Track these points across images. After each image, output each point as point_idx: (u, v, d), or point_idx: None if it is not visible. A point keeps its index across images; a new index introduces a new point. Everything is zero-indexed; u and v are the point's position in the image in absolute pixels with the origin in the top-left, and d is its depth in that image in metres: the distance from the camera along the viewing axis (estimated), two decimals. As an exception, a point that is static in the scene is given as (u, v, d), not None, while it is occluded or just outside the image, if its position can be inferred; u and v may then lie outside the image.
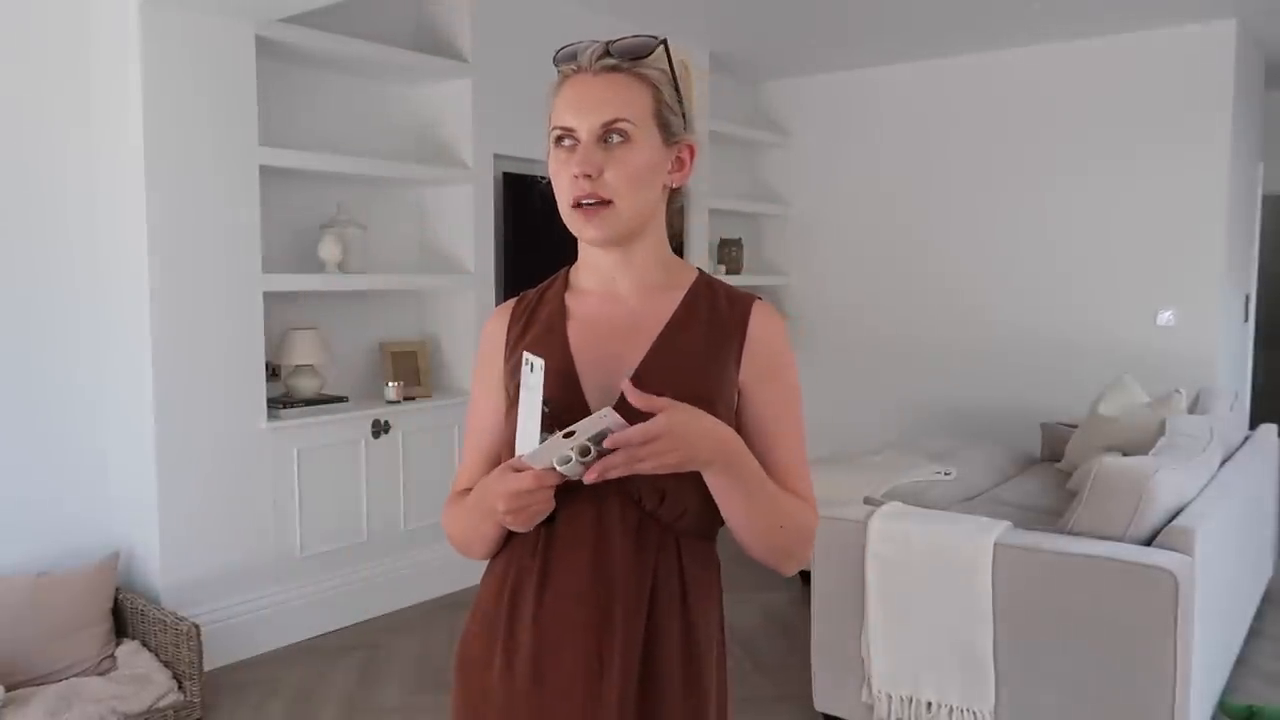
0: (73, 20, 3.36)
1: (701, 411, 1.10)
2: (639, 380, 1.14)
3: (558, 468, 1.06)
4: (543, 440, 1.07)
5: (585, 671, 1.15)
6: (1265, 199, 6.19)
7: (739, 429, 1.20)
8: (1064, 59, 5.35)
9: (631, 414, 1.07)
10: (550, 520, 1.18)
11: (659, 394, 1.10)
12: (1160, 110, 5.08)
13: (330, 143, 4.09)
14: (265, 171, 3.62)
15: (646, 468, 1.05)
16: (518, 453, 1.10)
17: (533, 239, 4.58)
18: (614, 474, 1.05)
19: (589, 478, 1.04)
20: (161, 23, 3.26)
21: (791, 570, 1.23)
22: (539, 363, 1.09)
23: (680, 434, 1.05)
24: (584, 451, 1.04)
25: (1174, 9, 4.74)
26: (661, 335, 1.21)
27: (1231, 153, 4.96)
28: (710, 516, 1.20)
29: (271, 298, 3.75)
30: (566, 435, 1.05)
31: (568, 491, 1.15)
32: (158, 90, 3.27)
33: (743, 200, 6.15)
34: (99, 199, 3.43)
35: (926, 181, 5.86)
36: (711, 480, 1.13)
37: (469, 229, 4.35)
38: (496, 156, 4.44)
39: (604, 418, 1.04)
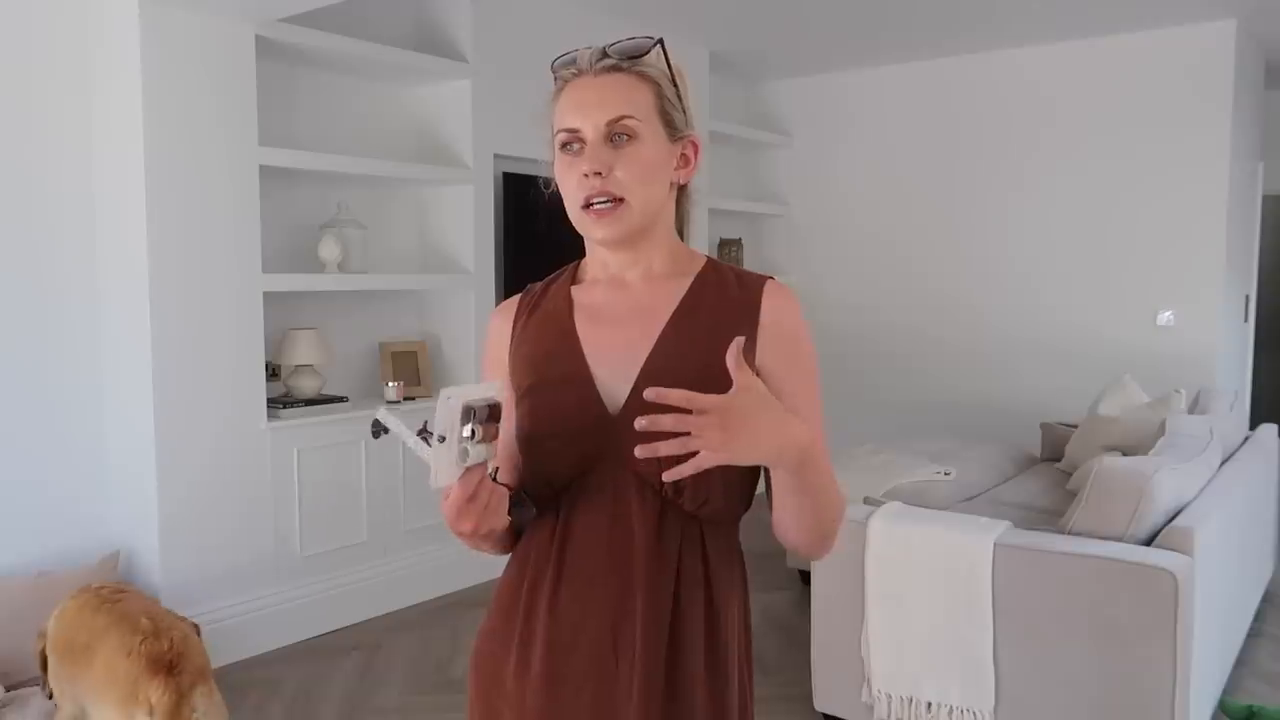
0: (73, 20, 3.36)
1: (777, 405, 1.03)
2: (651, 368, 1.15)
3: (470, 465, 1.03)
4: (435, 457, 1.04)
5: (600, 663, 1.14)
6: (1265, 199, 6.18)
7: None
8: (1064, 59, 5.35)
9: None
10: (569, 512, 1.18)
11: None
12: (1160, 110, 5.08)
13: (330, 143, 4.09)
14: (265, 171, 3.62)
15: (699, 444, 0.96)
16: (433, 486, 1.06)
17: (533, 239, 4.58)
18: (666, 433, 0.95)
19: (641, 424, 0.96)
20: (161, 23, 3.26)
21: (824, 555, 1.22)
22: (385, 417, 1.07)
23: (736, 420, 0.97)
24: (471, 434, 1.01)
25: (1174, 9, 4.74)
26: (671, 320, 1.20)
27: (1231, 152, 4.96)
28: (734, 504, 1.19)
29: (271, 298, 3.75)
30: (441, 440, 1.01)
31: (586, 483, 1.16)
32: (158, 90, 3.27)
33: (743, 200, 6.16)
34: (99, 199, 3.43)
35: (927, 181, 5.86)
36: (777, 476, 1.10)
37: (469, 229, 4.35)
38: (496, 156, 4.44)
39: (449, 399, 1.01)
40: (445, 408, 1.01)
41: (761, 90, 6.47)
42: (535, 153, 5.20)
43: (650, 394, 0.97)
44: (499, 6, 4.39)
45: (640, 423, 0.96)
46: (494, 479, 1.09)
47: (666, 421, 0.96)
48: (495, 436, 1.03)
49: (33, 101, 3.30)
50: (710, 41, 5.38)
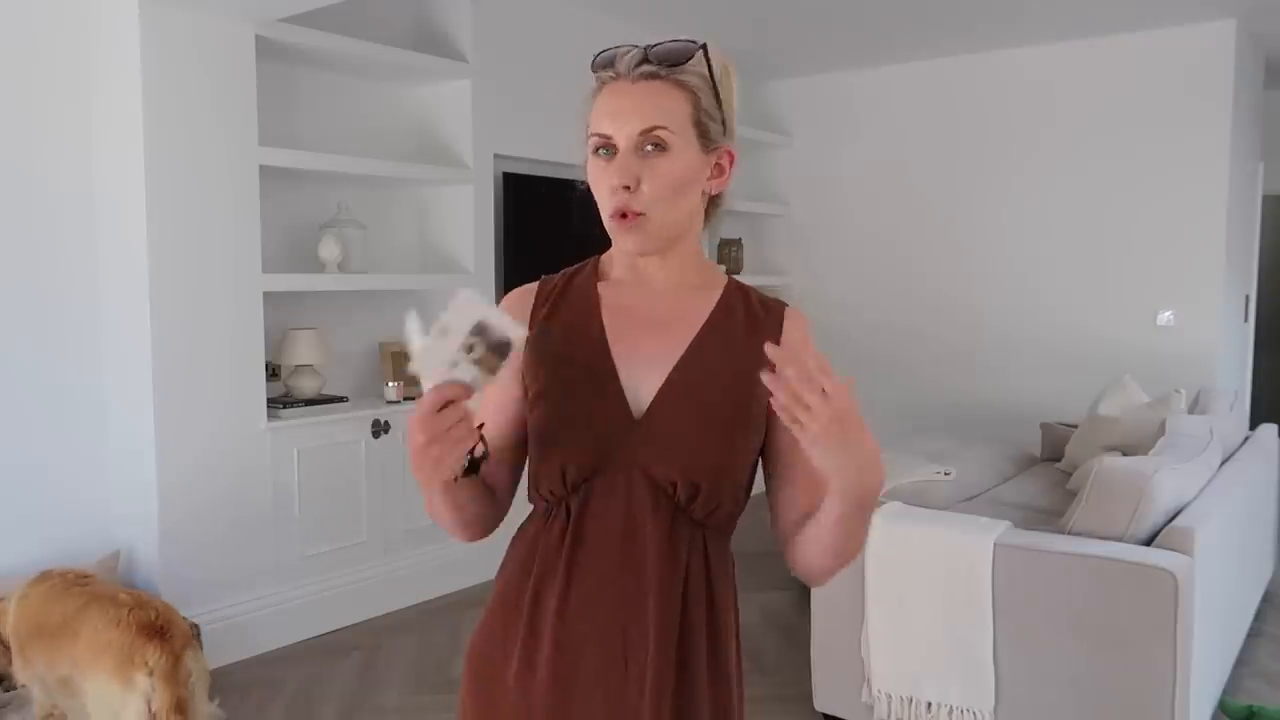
0: (73, 20, 3.36)
1: (875, 441, 1.02)
2: (679, 375, 1.15)
3: (454, 376, 0.97)
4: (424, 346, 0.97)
5: (610, 664, 1.14)
6: (1265, 199, 6.18)
7: (777, 442, 1.20)
8: (1064, 59, 5.35)
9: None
10: (581, 513, 1.17)
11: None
12: (1160, 110, 5.08)
13: (330, 143, 4.09)
14: (265, 171, 3.62)
15: (810, 422, 0.96)
16: (410, 369, 1.00)
17: (533, 239, 4.58)
18: (785, 393, 0.95)
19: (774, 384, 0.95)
20: (161, 23, 3.26)
21: (825, 583, 1.22)
22: (414, 330, 1.00)
23: (851, 424, 0.97)
24: (468, 348, 0.96)
25: (1174, 9, 4.74)
26: (702, 331, 1.20)
27: (1231, 152, 4.96)
28: (735, 514, 1.20)
29: (271, 298, 3.75)
30: (442, 336, 0.96)
31: (599, 485, 1.15)
32: (158, 90, 3.27)
33: (743, 200, 6.15)
34: (99, 199, 3.43)
35: (927, 181, 5.86)
36: (837, 507, 1.06)
37: (469, 229, 4.35)
38: (496, 156, 4.43)
39: (468, 302, 0.95)
40: (459, 311, 0.95)
41: (761, 90, 6.47)
42: (535, 153, 5.15)
43: (773, 352, 0.96)
44: (499, 6, 4.39)
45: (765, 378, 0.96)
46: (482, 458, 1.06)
47: (792, 375, 0.95)
48: (493, 370, 0.98)
49: (33, 101, 3.30)
50: (712, 41, 5.36)
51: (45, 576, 2.66)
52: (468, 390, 0.99)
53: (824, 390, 0.96)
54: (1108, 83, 5.23)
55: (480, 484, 1.19)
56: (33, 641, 2.52)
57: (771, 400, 0.97)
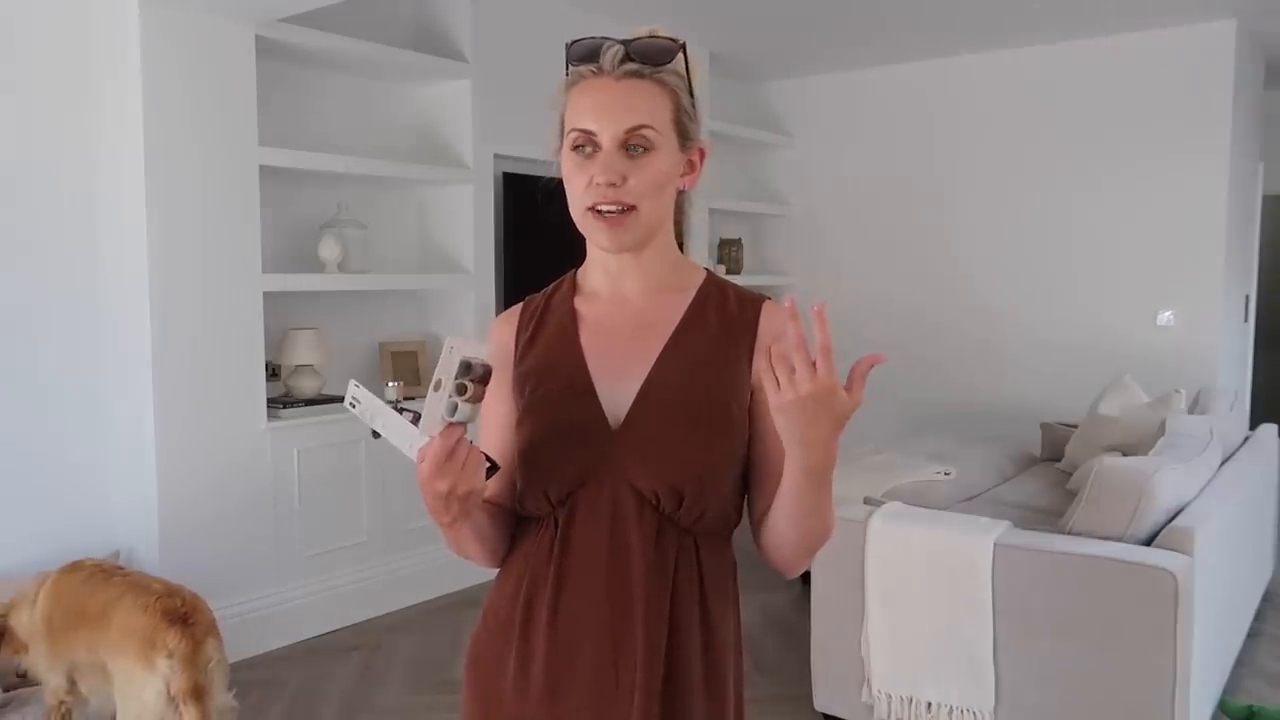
0: (73, 20, 3.36)
1: (844, 422, 1.05)
2: (653, 382, 1.15)
3: (451, 420, 1.02)
4: (419, 419, 1.04)
5: (600, 674, 1.14)
6: (1265, 199, 6.19)
7: (751, 427, 1.19)
8: (1064, 59, 5.35)
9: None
10: (567, 525, 1.17)
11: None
12: (1160, 110, 5.08)
13: (330, 143, 4.09)
14: (265, 171, 3.62)
15: (796, 388, 0.98)
16: (417, 455, 1.05)
17: (532, 239, 4.58)
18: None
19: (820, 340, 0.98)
20: (161, 23, 3.26)
21: (799, 571, 1.22)
22: (359, 392, 1.06)
23: (825, 400, 0.99)
24: (460, 390, 1.01)
25: (1174, 9, 4.74)
26: (673, 337, 1.20)
27: (1231, 153, 4.96)
28: (727, 517, 1.19)
29: (271, 298, 3.75)
30: (436, 390, 1.02)
31: (584, 497, 1.15)
32: (157, 90, 3.27)
33: (743, 200, 6.16)
34: (99, 199, 3.43)
35: (927, 182, 5.86)
36: (789, 478, 1.09)
37: (469, 229, 4.35)
38: (496, 156, 4.44)
39: (452, 350, 1.01)
40: (445, 362, 1.01)
41: (761, 90, 6.47)
42: (535, 153, 5.16)
43: (791, 303, 0.99)
44: (499, 6, 4.39)
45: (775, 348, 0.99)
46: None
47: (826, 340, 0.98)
48: (480, 399, 1.02)
49: (33, 101, 3.29)
50: (710, 41, 5.38)
51: (77, 566, 2.71)
52: (464, 428, 1.04)
53: (815, 367, 0.97)
54: (1108, 83, 5.23)
55: (496, 508, 1.21)
56: (71, 630, 2.56)
57: (769, 351, 0.99)
